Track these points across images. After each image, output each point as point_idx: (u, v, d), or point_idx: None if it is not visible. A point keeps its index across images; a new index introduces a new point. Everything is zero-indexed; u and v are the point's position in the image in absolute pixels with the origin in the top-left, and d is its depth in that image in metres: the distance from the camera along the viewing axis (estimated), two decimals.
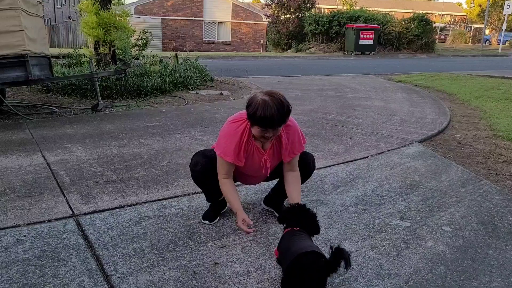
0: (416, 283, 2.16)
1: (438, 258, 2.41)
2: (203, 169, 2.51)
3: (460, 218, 2.92)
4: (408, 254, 2.43)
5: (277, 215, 2.83)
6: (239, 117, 2.45)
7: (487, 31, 34.01)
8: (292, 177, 2.57)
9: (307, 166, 2.66)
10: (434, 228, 2.76)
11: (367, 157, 4.19)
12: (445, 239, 2.62)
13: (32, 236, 2.51)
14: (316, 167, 3.69)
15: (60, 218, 2.75)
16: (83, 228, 2.62)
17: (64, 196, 3.10)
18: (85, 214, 2.82)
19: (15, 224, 2.65)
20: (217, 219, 2.77)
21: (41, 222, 2.69)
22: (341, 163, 3.98)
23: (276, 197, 2.85)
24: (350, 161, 4.06)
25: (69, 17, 26.62)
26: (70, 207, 2.91)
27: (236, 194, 2.54)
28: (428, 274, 2.24)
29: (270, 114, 2.18)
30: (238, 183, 2.93)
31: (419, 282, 2.17)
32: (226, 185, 2.53)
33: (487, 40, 35.14)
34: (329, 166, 3.90)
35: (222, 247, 2.45)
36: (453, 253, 2.47)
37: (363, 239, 2.59)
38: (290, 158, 2.52)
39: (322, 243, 2.52)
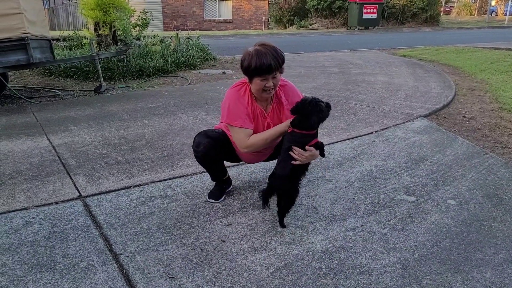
0: (421, 256, 2.18)
1: (443, 231, 2.42)
2: (206, 149, 2.51)
3: (465, 191, 2.92)
4: (413, 228, 2.44)
5: None
6: (238, 83, 2.50)
7: (493, 2, 33.26)
8: None
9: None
10: (439, 202, 2.77)
11: (372, 133, 4.17)
12: (450, 213, 2.63)
13: (40, 218, 2.55)
14: None
15: (68, 200, 2.78)
16: (91, 209, 2.65)
17: (71, 178, 3.13)
18: (92, 195, 2.85)
19: (23, 207, 2.69)
20: (223, 197, 2.79)
21: (49, 204, 2.72)
22: (345, 140, 3.97)
23: None
24: (355, 137, 4.05)
25: None
26: (77, 189, 2.94)
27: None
28: (433, 247, 2.25)
29: (266, 59, 2.23)
30: (242, 163, 2.94)
31: (424, 255, 2.19)
32: (253, 137, 2.42)
33: (493, 11, 34.43)
34: (334, 142, 3.89)
35: (228, 225, 2.47)
36: (458, 226, 2.48)
37: (368, 214, 2.60)
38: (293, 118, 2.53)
39: (327, 218, 2.54)
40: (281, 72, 2.40)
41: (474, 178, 3.14)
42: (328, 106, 2.29)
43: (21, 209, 2.66)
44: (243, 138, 2.42)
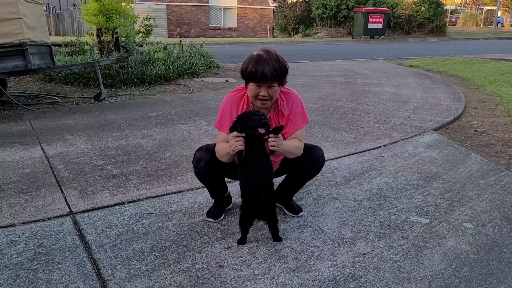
0: None
1: (460, 258, 2.22)
2: (207, 165, 2.34)
3: (482, 213, 2.73)
4: (428, 255, 2.25)
5: (286, 211, 2.67)
6: (238, 87, 2.41)
7: (499, 13, 33.11)
8: (292, 139, 2.35)
9: (315, 160, 2.44)
10: (455, 224, 2.57)
11: (380, 147, 3.99)
12: (467, 237, 2.43)
13: (26, 237, 2.37)
14: (327, 158, 3.51)
15: (57, 217, 2.60)
16: (80, 228, 2.47)
17: (62, 192, 2.95)
18: (83, 211, 2.67)
19: (9, 223, 2.51)
20: (222, 216, 2.60)
21: (36, 221, 2.55)
22: (352, 154, 3.79)
23: (284, 193, 2.67)
24: (362, 151, 3.86)
25: (73, 5, 26.39)
26: (68, 204, 2.76)
27: None
28: (451, 278, 2.06)
29: (263, 67, 2.11)
30: None
31: (442, 286, 1.99)
32: (221, 144, 2.29)
33: (500, 22, 34.25)
34: (340, 157, 3.70)
35: (227, 248, 2.28)
36: (476, 253, 2.28)
37: (379, 237, 2.41)
38: (294, 131, 2.35)
39: (335, 242, 2.35)
40: (281, 84, 2.24)
41: (490, 198, 2.94)
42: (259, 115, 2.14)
43: (6, 226, 2.49)
44: (217, 141, 2.35)
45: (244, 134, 2.12)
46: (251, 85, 2.19)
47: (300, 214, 2.64)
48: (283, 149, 2.18)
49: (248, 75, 2.15)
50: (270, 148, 2.13)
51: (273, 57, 2.15)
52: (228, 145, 2.18)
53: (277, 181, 2.83)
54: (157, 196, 2.90)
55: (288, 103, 2.36)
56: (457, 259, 2.22)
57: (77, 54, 8.68)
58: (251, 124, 2.09)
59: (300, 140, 2.36)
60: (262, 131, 2.08)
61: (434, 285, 2.00)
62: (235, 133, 2.12)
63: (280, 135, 2.17)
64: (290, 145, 2.27)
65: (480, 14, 37.17)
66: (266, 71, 2.10)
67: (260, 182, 2.16)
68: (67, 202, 2.79)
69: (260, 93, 2.18)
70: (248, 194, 2.19)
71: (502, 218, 2.67)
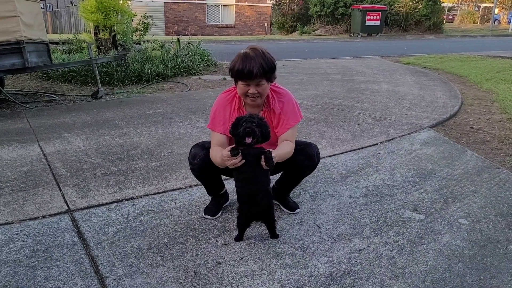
0: (433, 283, 2.00)
1: (455, 254, 2.25)
2: (202, 162, 2.36)
3: (477, 209, 2.75)
4: (423, 251, 2.27)
5: (282, 208, 2.69)
6: (229, 88, 2.41)
7: (496, 10, 33.16)
8: (284, 142, 2.33)
9: (310, 158, 2.45)
10: (450, 221, 2.60)
11: (377, 144, 4.01)
12: (462, 233, 2.46)
13: (24, 234, 2.38)
14: (323, 156, 3.55)
15: (55, 214, 2.62)
16: (78, 225, 2.49)
17: (60, 190, 2.97)
18: (81, 209, 2.68)
19: (7, 221, 2.53)
20: (220, 213, 2.62)
21: (34, 219, 2.56)
22: (349, 151, 3.81)
23: (280, 190, 2.69)
24: (359, 148, 3.88)
25: (71, 2, 26.31)
26: (66, 202, 2.78)
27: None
28: (446, 273, 2.08)
29: (249, 65, 2.12)
30: None
31: (436, 282, 2.01)
32: (216, 149, 2.27)
33: (497, 19, 34.30)
34: (337, 154, 3.72)
35: (224, 244, 2.30)
36: (471, 248, 2.31)
37: (375, 234, 2.43)
38: (286, 130, 2.35)
39: (331, 238, 2.37)
40: (269, 81, 2.25)
41: (485, 195, 2.97)
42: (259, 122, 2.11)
43: (4, 224, 2.50)
44: (212, 143, 2.36)
45: (240, 158, 2.08)
46: (240, 83, 2.21)
47: (297, 211, 2.66)
48: (277, 160, 2.15)
49: (236, 73, 2.17)
50: (265, 168, 2.10)
51: (259, 55, 2.16)
52: (223, 153, 2.14)
53: (273, 178, 2.85)
54: (154, 194, 2.92)
55: (280, 102, 2.37)
56: (452, 255, 2.25)
57: (74, 52, 8.68)
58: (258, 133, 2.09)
59: (291, 140, 2.36)
60: (249, 140, 2.07)
61: (429, 280, 2.03)
62: (227, 153, 2.06)
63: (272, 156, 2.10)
64: (282, 153, 2.24)
65: (477, 11, 37.23)
66: (253, 68, 2.11)
67: (256, 188, 2.16)
68: (65, 200, 2.81)
69: (249, 91, 2.20)
70: (246, 199, 2.20)
71: (497, 214, 2.69)
